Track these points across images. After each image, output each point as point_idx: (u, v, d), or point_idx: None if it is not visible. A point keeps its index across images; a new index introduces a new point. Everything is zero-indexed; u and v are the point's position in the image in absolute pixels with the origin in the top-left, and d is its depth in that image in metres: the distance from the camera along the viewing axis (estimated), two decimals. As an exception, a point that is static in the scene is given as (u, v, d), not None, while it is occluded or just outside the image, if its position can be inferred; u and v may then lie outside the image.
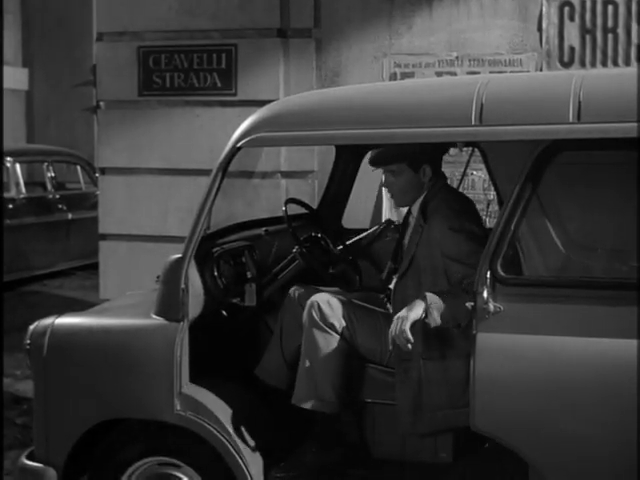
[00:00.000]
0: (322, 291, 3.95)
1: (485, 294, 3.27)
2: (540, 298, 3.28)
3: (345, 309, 3.82)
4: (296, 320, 3.90)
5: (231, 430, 3.65)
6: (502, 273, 3.28)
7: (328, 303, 3.81)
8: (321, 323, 3.78)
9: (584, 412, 3.19)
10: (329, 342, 3.77)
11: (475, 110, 3.30)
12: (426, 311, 3.48)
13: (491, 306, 3.28)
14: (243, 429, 3.69)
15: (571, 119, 3.19)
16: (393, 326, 3.50)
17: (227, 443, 3.63)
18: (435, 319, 3.49)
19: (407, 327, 3.45)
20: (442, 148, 4.12)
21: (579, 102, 3.19)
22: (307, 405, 3.77)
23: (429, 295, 3.51)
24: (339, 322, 3.79)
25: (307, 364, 3.78)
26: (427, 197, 3.85)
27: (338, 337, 3.79)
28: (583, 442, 3.21)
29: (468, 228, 3.66)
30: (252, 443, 3.69)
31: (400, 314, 3.51)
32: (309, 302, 3.83)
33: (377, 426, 3.86)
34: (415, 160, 3.87)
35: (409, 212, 4.03)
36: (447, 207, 3.76)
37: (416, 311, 3.48)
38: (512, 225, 3.28)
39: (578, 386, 3.20)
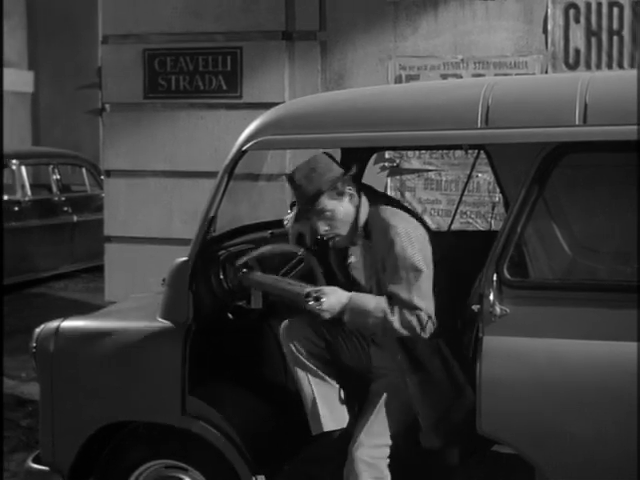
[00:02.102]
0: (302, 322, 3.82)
1: (491, 297, 3.27)
2: (546, 301, 3.27)
3: (320, 334, 3.75)
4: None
5: (237, 433, 3.65)
6: (508, 276, 3.27)
7: (305, 338, 3.74)
8: (302, 358, 3.74)
9: (591, 415, 3.18)
10: (315, 373, 3.74)
11: (481, 112, 3.30)
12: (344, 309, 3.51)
13: (497, 309, 3.27)
14: (249, 433, 3.69)
15: (577, 122, 3.18)
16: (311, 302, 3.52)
17: (233, 447, 3.62)
18: (347, 321, 3.53)
19: (317, 308, 3.50)
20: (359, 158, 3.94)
21: (585, 104, 3.18)
22: (325, 429, 3.74)
23: (354, 297, 3.52)
24: (318, 350, 3.74)
25: (306, 398, 3.75)
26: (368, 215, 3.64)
27: (322, 365, 3.75)
28: (590, 445, 3.20)
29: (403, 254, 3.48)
30: (258, 447, 3.68)
31: (324, 297, 3.50)
32: (285, 342, 3.78)
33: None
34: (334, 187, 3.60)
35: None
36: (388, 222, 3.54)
37: (333, 307, 3.51)
38: (518, 228, 3.27)
39: (584, 389, 3.19)
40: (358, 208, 3.62)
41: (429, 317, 3.45)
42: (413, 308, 3.44)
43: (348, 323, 3.56)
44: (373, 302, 3.50)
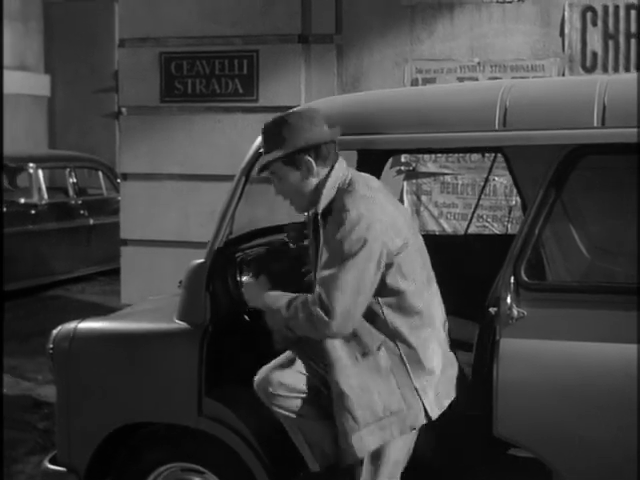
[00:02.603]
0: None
1: (508, 299, 3.26)
2: (564, 303, 3.26)
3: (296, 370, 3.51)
4: None
5: (253, 435, 3.64)
6: (526, 278, 3.26)
7: (278, 383, 3.46)
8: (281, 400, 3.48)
9: (608, 418, 3.17)
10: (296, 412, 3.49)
11: (499, 114, 3.29)
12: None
13: (514, 311, 3.26)
14: (266, 435, 3.69)
15: (595, 124, 3.18)
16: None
17: (249, 449, 3.62)
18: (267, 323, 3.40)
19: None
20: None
21: (604, 106, 3.17)
22: (323, 465, 3.55)
23: (267, 296, 3.37)
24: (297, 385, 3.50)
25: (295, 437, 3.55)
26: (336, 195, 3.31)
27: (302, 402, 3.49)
28: (607, 449, 3.18)
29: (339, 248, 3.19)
30: (275, 449, 3.68)
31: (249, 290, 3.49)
32: (263, 388, 3.49)
33: None
34: (289, 156, 3.31)
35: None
36: (340, 210, 3.23)
37: (254, 300, 3.47)
38: (536, 230, 3.26)
39: (602, 392, 3.18)
40: (320, 186, 3.31)
41: (335, 313, 3.14)
42: (320, 298, 3.16)
43: (269, 325, 3.40)
44: (284, 300, 3.29)
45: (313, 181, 3.33)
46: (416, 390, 3.30)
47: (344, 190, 3.29)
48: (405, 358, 3.30)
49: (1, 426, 5.36)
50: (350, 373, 3.28)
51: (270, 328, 3.46)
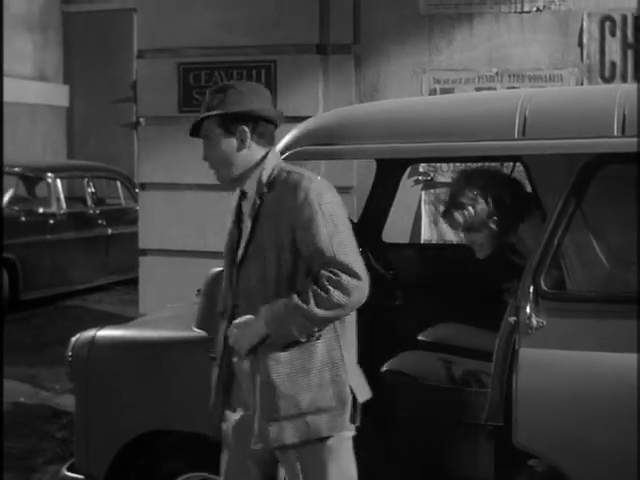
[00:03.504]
0: None
1: (528, 309, 3.25)
2: (583, 313, 3.25)
3: None
4: None
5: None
6: (545, 288, 3.25)
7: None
8: None
9: (628, 429, 3.15)
10: None
11: (518, 123, 3.28)
12: (265, 338, 3.09)
13: (534, 321, 3.25)
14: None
15: (615, 133, 3.17)
16: (230, 342, 3.16)
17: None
18: (279, 343, 3.09)
19: (243, 354, 3.15)
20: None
21: (624, 116, 3.17)
22: None
23: (267, 320, 3.08)
24: None
25: None
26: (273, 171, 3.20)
27: None
28: (628, 459, 3.16)
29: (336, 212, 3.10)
30: None
31: (234, 336, 3.14)
32: None
33: (416, 441, 3.83)
34: (226, 119, 3.19)
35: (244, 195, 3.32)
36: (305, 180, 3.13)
37: (253, 340, 3.09)
38: (555, 239, 3.25)
39: (622, 402, 3.16)
40: (253, 160, 3.21)
41: (362, 274, 3.03)
42: (341, 266, 3.02)
43: (274, 343, 3.10)
44: (281, 304, 3.07)
45: (245, 154, 3.22)
46: (351, 388, 3.15)
47: (289, 170, 3.19)
48: (344, 354, 3.15)
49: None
50: (282, 360, 3.11)
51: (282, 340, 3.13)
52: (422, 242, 6.48)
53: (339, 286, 3.00)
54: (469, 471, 3.74)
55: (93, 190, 11.56)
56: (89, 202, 11.52)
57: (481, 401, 3.50)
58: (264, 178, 3.19)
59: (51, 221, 10.71)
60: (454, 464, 3.77)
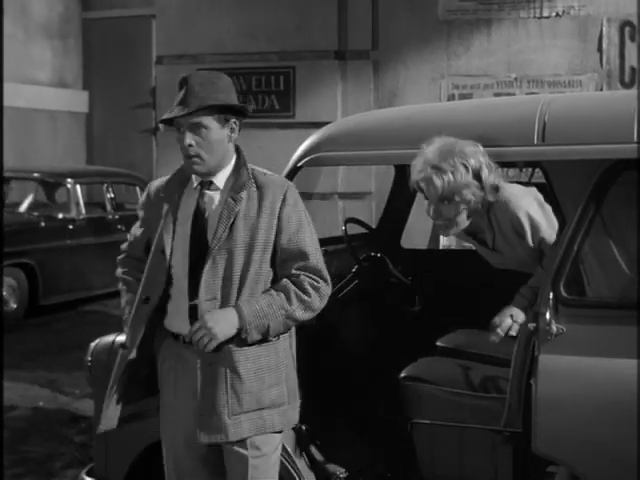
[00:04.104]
0: None
1: (548, 315, 3.23)
2: (603, 320, 3.23)
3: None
4: None
5: (291, 450, 3.64)
6: (565, 294, 3.24)
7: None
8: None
9: (649, 436, 3.13)
10: None
11: (537, 129, 3.28)
12: (241, 329, 3.10)
13: (554, 328, 3.23)
14: (303, 451, 3.68)
15: (635, 139, 3.15)
16: (198, 334, 3.08)
17: (287, 463, 3.61)
18: (253, 338, 3.11)
19: (213, 346, 3.09)
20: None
21: (644, 121, 3.15)
22: None
23: (245, 310, 3.09)
24: None
25: None
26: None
27: None
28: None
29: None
30: (312, 465, 3.67)
31: (209, 324, 3.07)
32: None
33: (434, 447, 3.82)
34: (226, 111, 3.21)
35: (205, 184, 3.28)
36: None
37: (229, 330, 3.09)
38: (575, 245, 3.24)
39: (642, 409, 3.14)
40: (232, 156, 3.26)
41: (327, 276, 3.20)
42: (319, 274, 3.17)
43: (251, 338, 3.13)
44: (264, 300, 3.12)
45: (229, 147, 3.25)
46: (298, 386, 3.32)
47: (265, 172, 3.27)
48: (293, 351, 3.31)
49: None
50: (250, 356, 3.14)
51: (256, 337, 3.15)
52: (441, 248, 6.48)
53: (319, 292, 3.15)
54: (487, 477, 3.72)
55: (112, 195, 11.59)
56: (108, 207, 11.55)
57: (499, 407, 3.49)
58: (244, 176, 3.22)
59: (70, 226, 10.74)
60: (472, 470, 3.75)
